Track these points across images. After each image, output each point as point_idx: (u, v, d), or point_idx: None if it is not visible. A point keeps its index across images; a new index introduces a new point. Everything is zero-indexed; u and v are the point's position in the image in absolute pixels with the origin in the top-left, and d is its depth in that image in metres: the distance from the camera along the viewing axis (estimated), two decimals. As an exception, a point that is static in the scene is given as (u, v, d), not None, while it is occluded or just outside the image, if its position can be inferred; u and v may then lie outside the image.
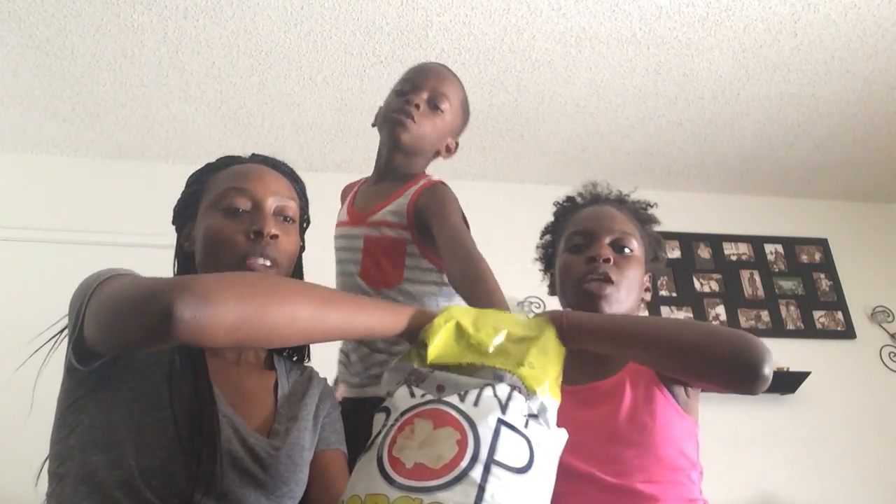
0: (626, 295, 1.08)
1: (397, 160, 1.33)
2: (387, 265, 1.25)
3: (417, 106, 1.28)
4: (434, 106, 1.31)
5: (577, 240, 1.13)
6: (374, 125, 1.40)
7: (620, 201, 1.24)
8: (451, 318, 0.85)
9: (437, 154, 1.38)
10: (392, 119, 1.29)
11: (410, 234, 1.25)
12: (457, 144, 1.41)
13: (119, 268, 0.83)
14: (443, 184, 1.30)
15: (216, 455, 0.81)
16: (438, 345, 0.82)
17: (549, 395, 0.80)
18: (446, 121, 1.33)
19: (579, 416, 0.98)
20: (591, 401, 1.01)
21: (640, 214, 1.22)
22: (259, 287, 0.70)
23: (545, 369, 0.81)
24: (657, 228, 1.24)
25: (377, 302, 0.84)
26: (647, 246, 1.17)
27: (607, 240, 1.11)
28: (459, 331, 0.84)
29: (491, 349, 0.81)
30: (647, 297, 1.16)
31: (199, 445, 0.80)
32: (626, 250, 1.12)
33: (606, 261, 1.07)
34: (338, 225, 1.38)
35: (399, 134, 1.28)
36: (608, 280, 1.06)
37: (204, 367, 0.87)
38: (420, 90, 1.31)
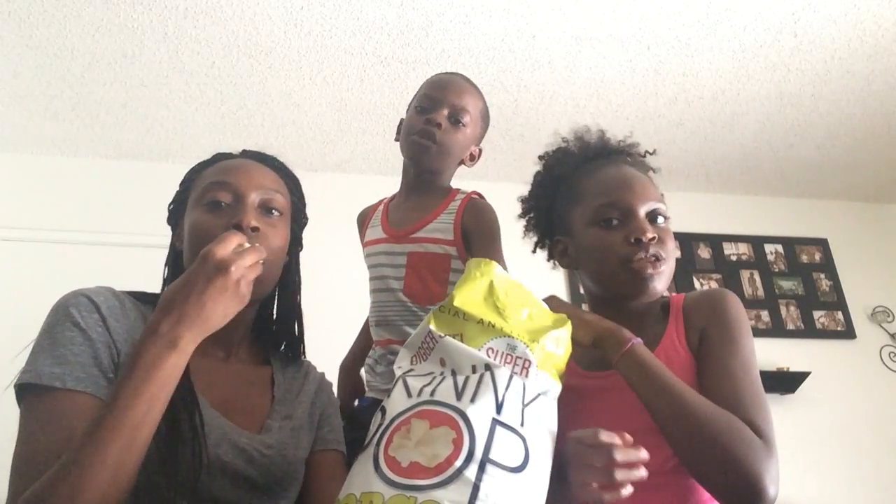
0: (670, 268, 1.03)
1: (425, 177, 1.35)
2: (431, 280, 1.26)
3: (440, 125, 1.29)
4: (455, 121, 1.32)
5: (610, 213, 1.03)
6: (396, 140, 1.41)
7: (630, 155, 1.15)
8: (487, 275, 0.88)
9: (461, 163, 1.40)
10: (414, 143, 1.31)
11: (456, 249, 1.27)
12: (480, 151, 1.43)
13: (61, 331, 0.81)
14: (481, 198, 1.35)
15: (200, 462, 0.80)
16: (467, 291, 0.87)
17: (554, 379, 0.83)
18: (467, 133, 1.34)
19: (604, 405, 0.96)
20: (616, 388, 0.96)
21: (649, 167, 1.16)
22: (64, 483, 0.66)
23: (556, 355, 0.84)
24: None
25: (137, 362, 0.72)
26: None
27: (643, 212, 1.03)
28: (490, 289, 0.87)
29: (511, 319, 0.85)
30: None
31: (179, 454, 0.79)
32: (661, 220, 1.04)
33: (652, 240, 0.99)
34: (373, 243, 1.37)
35: (422, 159, 1.31)
36: (659, 259, 1.00)
37: (186, 375, 0.83)
38: (440, 107, 1.31)
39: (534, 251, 1.21)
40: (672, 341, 0.99)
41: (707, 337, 0.96)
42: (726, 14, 2.35)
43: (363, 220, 1.47)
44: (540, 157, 1.22)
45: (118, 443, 0.68)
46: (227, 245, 0.78)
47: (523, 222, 1.23)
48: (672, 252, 1.04)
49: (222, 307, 0.76)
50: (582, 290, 1.19)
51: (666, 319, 1.03)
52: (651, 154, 1.19)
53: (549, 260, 1.20)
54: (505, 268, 1.18)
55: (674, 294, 1.07)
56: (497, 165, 3.13)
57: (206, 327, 0.75)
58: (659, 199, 1.07)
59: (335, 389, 1.21)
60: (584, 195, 1.08)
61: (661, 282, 1.01)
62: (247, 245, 0.82)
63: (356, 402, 1.35)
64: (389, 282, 1.29)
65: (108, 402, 0.70)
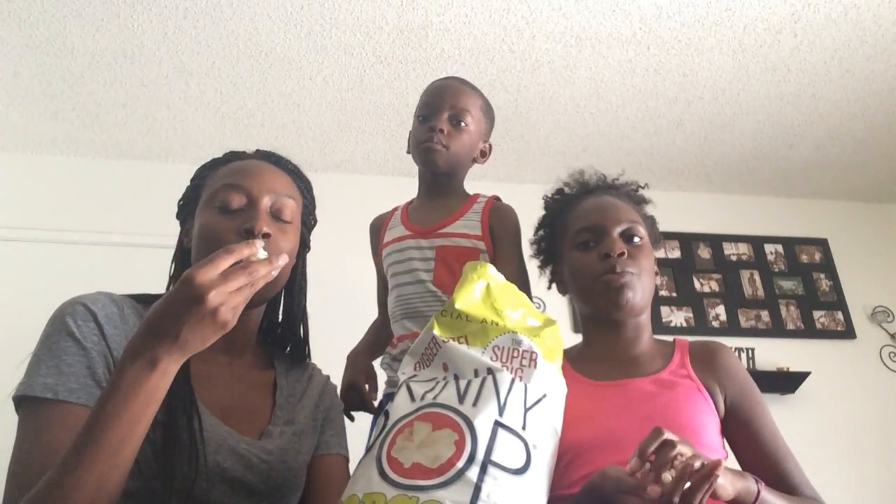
0: (646, 281, 1.08)
1: (441, 182, 1.40)
2: (459, 271, 1.28)
3: (442, 130, 1.33)
4: (457, 122, 1.36)
5: (585, 236, 1.11)
6: (408, 152, 1.46)
7: (615, 188, 1.23)
8: (484, 278, 0.92)
9: (474, 161, 1.44)
10: (423, 150, 1.35)
11: (484, 244, 1.32)
12: (490, 146, 1.47)
13: (58, 341, 0.81)
14: (501, 201, 1.41)
15: (196, 468, 0.80)
16: (466, 293, 0.90)
17: (560, 374, 0.86)
18: (472, 132, 1.38)
19: (610, 411, 0.98)
20: (627, 396, 1.01)
21: (636, 197, 1.23)
22: (42, 498, 0.67)
23: (556, 350, 0.88)
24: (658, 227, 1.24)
25: (117, 382, 0.70)
26: (649, 229, 1.17)
27: (616, 232, 1.10)
28: (488, 291, 0.91)
29: (509, 318, 0.88)
30: (657, 280, 1.16)
31: (176, 459, 0.79)
32: (636, 239, 1.11)
33: (621, 255, 1.06)
34: (397, 240, 1.39)
35: (434, 163, 1.35)
36: (629, 273, 1.06)
37: (186, 381, 0.84)
38: (440, 112, 1.35)
39: (549, 287, 1.27)
40: (678, 369, 1.05)
41: (736, 404, 1.04)
42: (726, 14, 2.35)
43: (378, 227, 1.48)
44: (543, 199, 1.30)
45: (97, 466, 0.67)
46: (213, 269, 0.71)
47: (537, 262, 1.29)
48: (646, 269, 1.10)
49: (200, 335, 0.71)
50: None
51: (669, 353, 1.09)
52: (643, 188, 1.27)
53: (562, 293, 1.26)
54: (525, 269, 1.28)
55: (677, 338, 1.15)
56: (497, 165, 3.13)
57: (184, 351, 0.72)
58: (636, 220, 1.14)
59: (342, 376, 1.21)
60: (567, 225, 1.17)
61: (635, 294, 1.06)
62: (261, 255, 0.76)
63: (378, 399, 1.36)
64: (419, 274, 1.31)
65: (89, 422, 0.69)
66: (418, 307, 1.30)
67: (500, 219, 1.35)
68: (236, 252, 0.73)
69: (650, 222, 1.20)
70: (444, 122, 1.34)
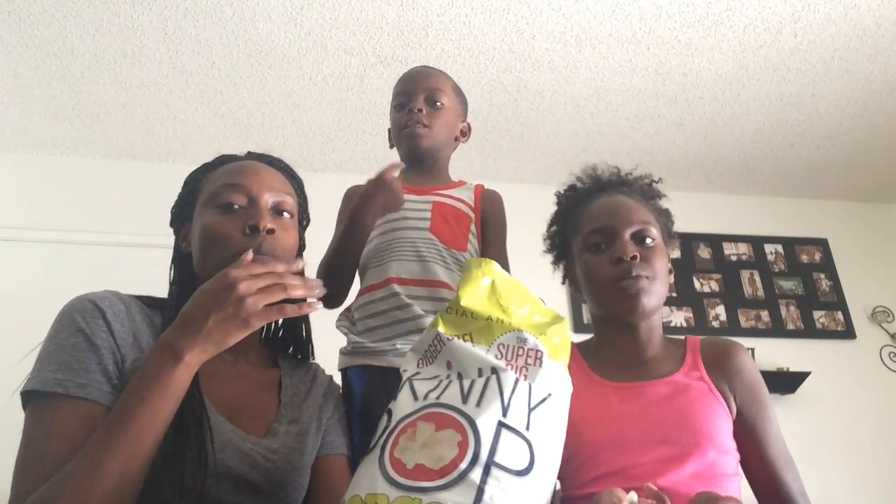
0: (659, 285, 1.07)
1: (427, 164, 1.41)
2: (456, 228, 1.32)
3: (420, 110, 1.37)
4: (433, 102, 1.39)
5: (597, 238, 1.09)
6: (391, 147, 1.47)
7: (628, 184, 1.21)
8: (489, 275, 0.91)
9: (456, 140, 1.47)
10: (406, 135, 1.38)
11: (474, 217, 1.35)
12: (469, 126, 1.51)
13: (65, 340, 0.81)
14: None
15: (205, 468, 0.80)
16: (471, 290, 0.89)
17: (565, 373, 0.84)
18: (449, 110, 1.42)
19: (625, 412, 0.98)
20: (642, 399, 1.00)
21: (649, 193, 1.20)
22: (70, 490, 0.68)
23: (563, 348, 0.86)
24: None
25: (143, 372, 0.74)
26: (662, 226, 1.14)
27: (628, 234, 1.08)
28: (493, 287, 0.90)
29: (515, 315, 0.87)
30: (671, 278, 1.13)
31: (185, 459, 0.79)
32: (648, 240, 1.08)
33: (634, 258, 1.04)
34: None
35: (418, 145, 1.37)
36: (642, 276, 1.04)
37: (194, 380, 0.83)
38: (416, 95, 1.39)
39: (563, 283, 1.26)
40: (690, 371, 1.04)
41: (745, 406, 1.03)
42: (726, 14, 2.35)
43: (351, 198, 1.43)
44: (555, 195, 1.28)
45: (123, 451, 0.69)
46: (245, 269, 0.78)
47: (550, 257, 1.28)
48: (660, 270, 1.08)
49: (224, 327, 0.76)
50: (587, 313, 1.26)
51: (681, 354, 1.08)
52: (657, 182, 1.24)
53: (575, 291, 1.25)
54: (507, 260, 1.29)
55: (688, 336, 1.13)
56: (497, 165, 3.14)
57: (207, 344, 0.76)
58: (647, 220, 1.11)
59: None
60: (579, 225, 1.15)
61: (649, 299, 1.05)
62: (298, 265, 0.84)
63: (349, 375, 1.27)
64: (415, 222, 1.30)
65: (114, 410, 0.72)
66: (405, 251, 1.27)
67: (494, 205, 1.39)
68: (271, 264, 0.81)
69: (664, 218, 1.17)
70: (420, 102, 1.37)
